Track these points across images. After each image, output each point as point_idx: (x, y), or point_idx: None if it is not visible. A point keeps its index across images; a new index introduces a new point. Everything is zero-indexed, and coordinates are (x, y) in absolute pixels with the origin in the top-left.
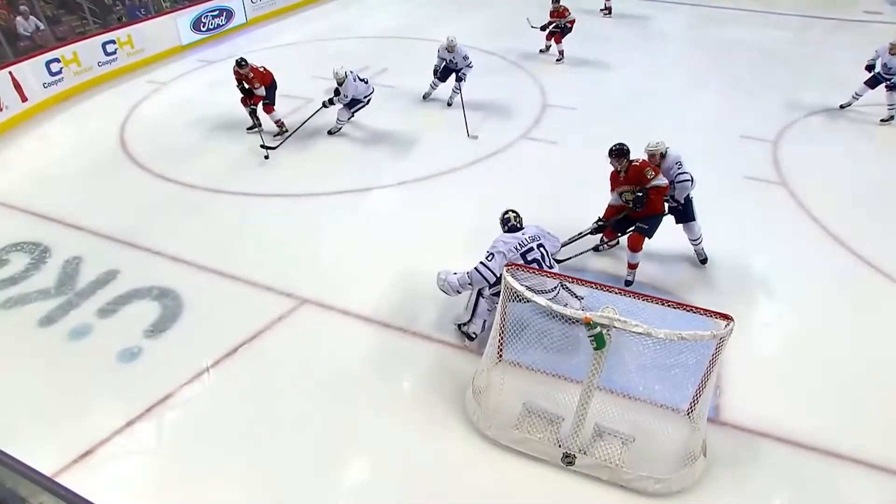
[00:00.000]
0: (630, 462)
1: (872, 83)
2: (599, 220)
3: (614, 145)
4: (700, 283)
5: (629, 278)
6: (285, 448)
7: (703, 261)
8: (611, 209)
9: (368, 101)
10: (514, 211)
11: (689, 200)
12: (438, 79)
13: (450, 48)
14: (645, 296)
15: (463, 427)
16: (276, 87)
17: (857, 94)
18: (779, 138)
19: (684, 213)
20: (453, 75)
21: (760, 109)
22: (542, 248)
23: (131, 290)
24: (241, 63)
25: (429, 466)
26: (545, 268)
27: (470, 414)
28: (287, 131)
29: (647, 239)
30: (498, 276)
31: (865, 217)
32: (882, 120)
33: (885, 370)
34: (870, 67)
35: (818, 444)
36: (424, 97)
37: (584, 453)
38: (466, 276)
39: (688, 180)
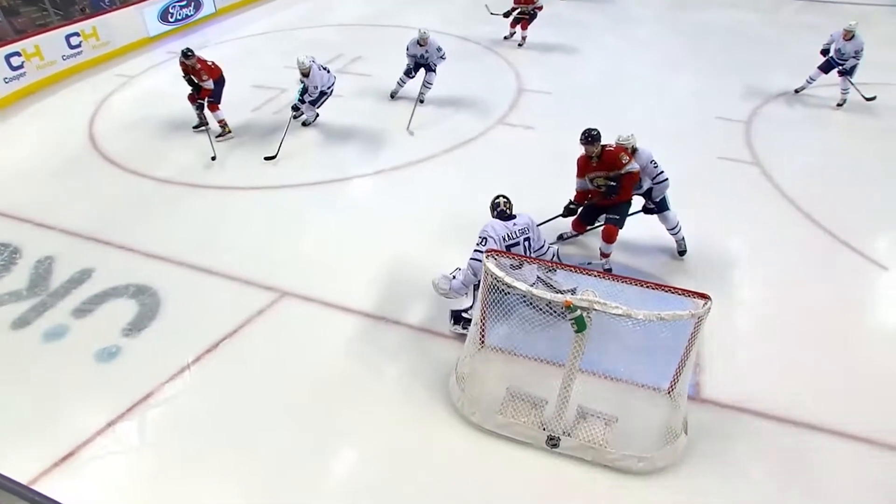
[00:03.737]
0: (613, 442)
1: (826, 67)
2: (571, 202)
3: (586, 131)
4: (677, 263)
5: (606, 267)
6: (270, 441)
7: (682, 252)
8: (580, 193)
9: (332, 91)
10: (504, 196)
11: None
12: (407, 75)
13: (422, 41)
14: (624, 278)
15: (447, 413)
16: (223, 84)
17: (811, 78)
18: (751, 119)
19: (658, 204)
20: (422, 71)
21: (733, 91)
22: (527, 242)
23: (107, 288)
24: (186, 54)
25: (414, 454)
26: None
27: (454, 400)
28: (230, 132)
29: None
30: None
31: (836, 196)
32: (838, 105)
33: (860, 344)
34: (825, 52)
35: (795, 417)
36: (392, 96)
37: (568, 435)
38: (469, 271)
39: (666, 180)
